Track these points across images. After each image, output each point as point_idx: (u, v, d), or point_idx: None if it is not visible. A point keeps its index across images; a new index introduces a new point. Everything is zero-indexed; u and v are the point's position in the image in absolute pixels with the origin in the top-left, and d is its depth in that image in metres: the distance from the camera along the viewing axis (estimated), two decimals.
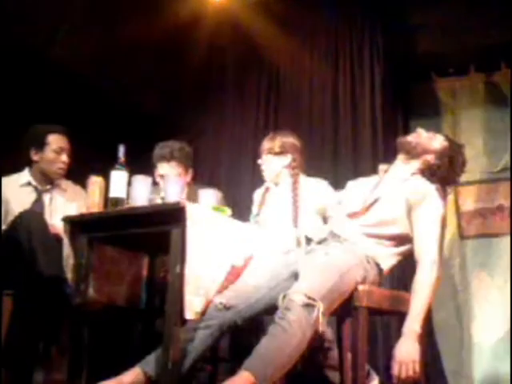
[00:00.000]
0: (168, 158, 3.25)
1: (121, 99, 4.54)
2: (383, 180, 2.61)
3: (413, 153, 2.59)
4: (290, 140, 3.24)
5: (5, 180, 3.10)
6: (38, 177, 3.16)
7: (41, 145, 3.11)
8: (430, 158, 2.57)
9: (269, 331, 2.14)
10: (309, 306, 2.13)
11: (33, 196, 3.14)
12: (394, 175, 2.60)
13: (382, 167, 2.73)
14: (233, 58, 4.88)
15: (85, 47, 4.18)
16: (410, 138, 2.63)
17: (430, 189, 2.49)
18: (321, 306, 2.14)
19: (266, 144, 3.27)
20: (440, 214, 2.45)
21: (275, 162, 3.22)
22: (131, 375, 2.23)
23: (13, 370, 2.59)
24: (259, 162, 3.31)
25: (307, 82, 4.62)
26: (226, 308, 2.34)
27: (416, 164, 2.59)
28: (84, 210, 3.00)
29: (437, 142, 2.61)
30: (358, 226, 2.50)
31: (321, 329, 2.16)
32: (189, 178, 3.36)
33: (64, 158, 3.14)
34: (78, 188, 3.24)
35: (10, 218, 2.89)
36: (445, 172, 2.58)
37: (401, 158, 2.63)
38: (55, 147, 3.12)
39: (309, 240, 2.60)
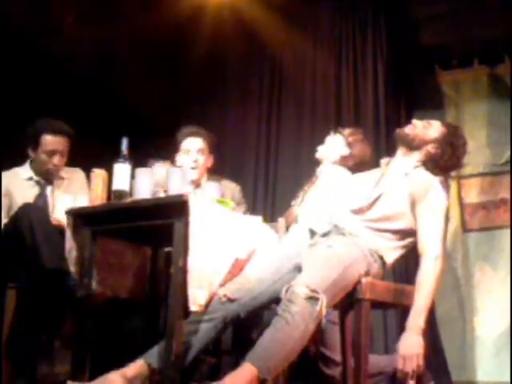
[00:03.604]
0: (194, 133, 3.29)
1: (124, 93, 4.54)
2: (385, 174, 2.60)
3: (412, 145, 2.57)
4: (364, 147, 3.25)
5: (7, 173, 3.14)
6: (37, 173, 3.20)
7: (35, 144, 3.14)
8: (431, 147, 2.55)
9: (272, 324, 2.14)
10: (312, 299, 2.13)
11: (35, 190, 3.17)
12: (396, 169, 2.58)
13: (383, 161, 2.72)
14: (235, 52, 4.86)
15: (88, 41, 4.17)
16: (407, 130, 2.60)
17: (433, 181, 2.48)
18: (324, 299, 2.15)
19: (352, 131, 3.26)
20: (444, 206, 2.44)
21: (339, 145, 3.21)
22: (135, 367, 2.23)
23: (16, 363, 2.60)
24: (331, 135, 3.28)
25: (310, 75, 4.60)
26: (230, 301, 2.34)
27: (417, 156, 2.56)
28: (85, 187, 3.12)
29: (434, 129, 2.58)
30: (362, 221, 2.49)
31: (323, 321, 2.16)
32: (209, 163, 3.37)
33: (55, 160, 3.14)
34: (76, 170, 3.29)
35: (14, 210, 2.91)
36: (448, 160, 2.55)
37: (401, 151, 2.61)
38: (46, 149, 3.13)
39: (312, 233, 2.59)
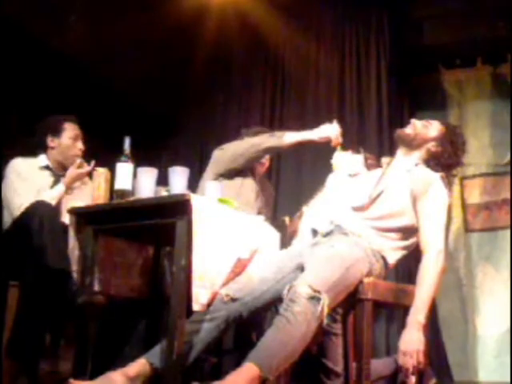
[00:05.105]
0: (267, 132, 3.33)
1: (127, 91, 4.54)
2: (386, 173, 2.61)
3: (413, 144, 2.59)
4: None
5: (22, 160, 3.14)
6: (55, 163, 3.20)
7: (57, 131, 3.18)
8: (431, 145, 2.57)
9: (274, 323, 2.14)
10: (314, 298, 2.13)
11: (50, 180, 3.17)
12: (397, 167, 2.59)
13: (384, 160, 2.73)
14: (238, 51, 4.87)
15: (92, 40, 4.17)
16: (408, 130, 2.62)
17: (434, 178, 2.48)
18: (326, 299, 2.15)
19: (371, 156, 3.27)
20: (445, 202, 2.45)
21: (359, 163, 3.21)
22: (137, 366, 2.23)
23: (19, 361, 2.60)
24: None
25: (313, 74, 4.61)
26: (232, 300, 2.34)
27: (418, 154, 2.58)
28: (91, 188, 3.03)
29: (433, 128, 2.60)
30: (363, 220, 2.49)
31: (325, 321, 2.16)
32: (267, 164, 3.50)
33: (80, 145, 3.20)
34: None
35: (23, 192, 2.94)
36: (449, 158, 2.56)
37: (402, 151, 2.63)
38: (72, 134, 3.19)
39: (315, 232, 2.59)
